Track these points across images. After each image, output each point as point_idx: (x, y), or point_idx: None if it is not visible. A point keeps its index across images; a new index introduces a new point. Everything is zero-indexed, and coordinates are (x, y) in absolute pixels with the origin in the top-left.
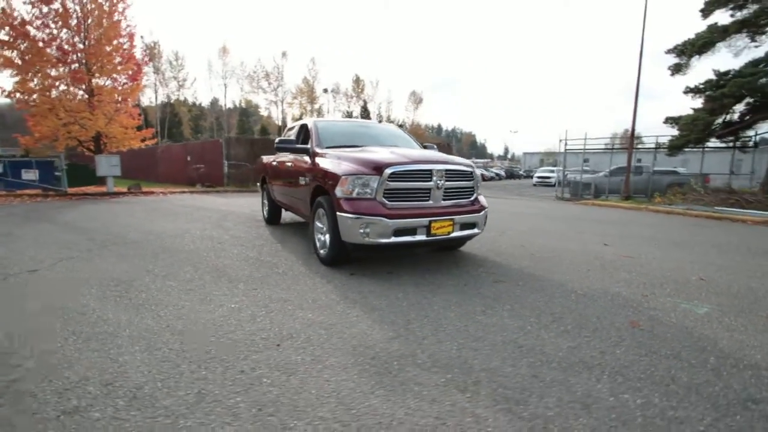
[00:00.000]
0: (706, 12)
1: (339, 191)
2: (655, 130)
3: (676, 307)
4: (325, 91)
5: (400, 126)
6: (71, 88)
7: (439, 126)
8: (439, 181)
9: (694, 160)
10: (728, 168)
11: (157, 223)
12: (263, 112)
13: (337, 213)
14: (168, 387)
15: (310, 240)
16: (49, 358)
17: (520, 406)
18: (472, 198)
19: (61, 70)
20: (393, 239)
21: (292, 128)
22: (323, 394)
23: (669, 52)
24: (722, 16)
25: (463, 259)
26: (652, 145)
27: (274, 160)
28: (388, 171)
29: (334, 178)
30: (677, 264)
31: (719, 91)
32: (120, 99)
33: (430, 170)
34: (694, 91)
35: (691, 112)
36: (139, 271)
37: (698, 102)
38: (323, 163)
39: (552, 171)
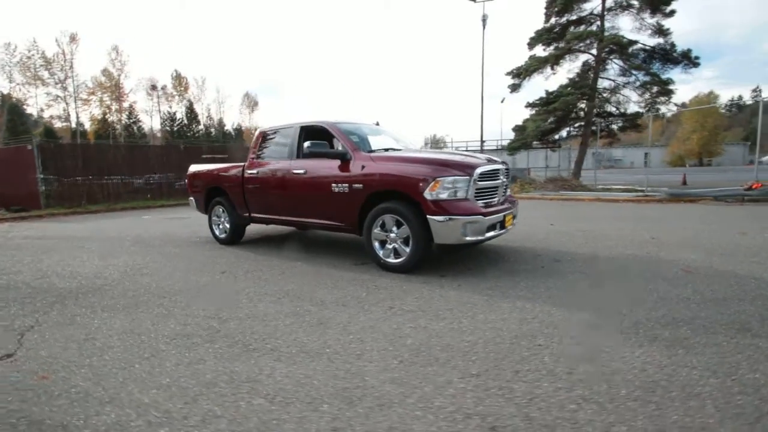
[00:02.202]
0: (531, 45)
1: (429, 194)
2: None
3: (677, 256)
4: (154, 88)
5: (239, 130)
6: None
7: None
8: (503, 179)
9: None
10: (532, 163)
11: (51, 262)
12: (44, 110)
13: (430, 216)
14: (528, 416)
15: (336, 250)
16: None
17: (755, 332)
18: (509, 193)
19: None
20: (486, 235)
21: (278, 131)
22: (658, 369)
23: (508, 74)
24: (539, 50)
25: (486, 250)
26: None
27: (249, 169)
28: (477, 171)
29: (418, 181)
30: (618, 231)
31: (551, 106)
32: None
33: (498, 169)
34: (532, 105)
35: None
36: (198, 322)
37: (525, 113)
38: (383, 167)
39: None
